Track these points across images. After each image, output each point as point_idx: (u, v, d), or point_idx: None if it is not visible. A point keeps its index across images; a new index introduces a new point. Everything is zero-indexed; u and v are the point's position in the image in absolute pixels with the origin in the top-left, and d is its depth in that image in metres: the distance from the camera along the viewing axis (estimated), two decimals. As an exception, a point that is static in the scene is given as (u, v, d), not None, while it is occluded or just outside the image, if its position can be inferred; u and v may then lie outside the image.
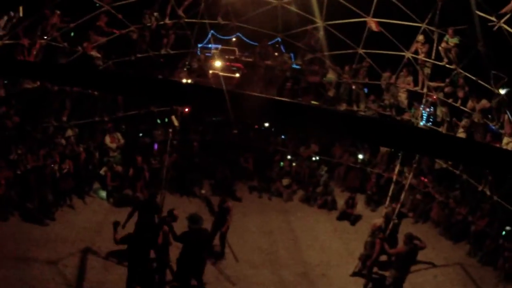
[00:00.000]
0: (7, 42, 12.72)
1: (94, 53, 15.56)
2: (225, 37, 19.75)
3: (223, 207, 13.52)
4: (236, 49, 19.90)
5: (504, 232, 14.50)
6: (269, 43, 19.56)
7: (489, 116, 14.77)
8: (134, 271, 10.69)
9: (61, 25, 14.35)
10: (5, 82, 13.46)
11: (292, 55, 19.99)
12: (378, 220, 13.66)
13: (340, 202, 17.53)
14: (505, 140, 13.67)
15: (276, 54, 19.85)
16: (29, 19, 13.15)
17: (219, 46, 19.96)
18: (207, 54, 19.82)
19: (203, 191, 17.60)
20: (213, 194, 17.73)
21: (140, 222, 12.37)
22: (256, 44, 19.63)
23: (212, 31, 19.05)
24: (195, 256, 11.27)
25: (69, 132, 16.01)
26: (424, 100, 16.52)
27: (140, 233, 11.39)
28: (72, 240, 13.18)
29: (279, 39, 19.63)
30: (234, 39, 19.92)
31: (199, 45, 20.01)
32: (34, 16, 13.28)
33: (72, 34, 14.94)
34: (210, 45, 19.95)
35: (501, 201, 14.71)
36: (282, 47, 20.15)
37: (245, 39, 19.65)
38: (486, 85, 14.23)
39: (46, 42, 14.08)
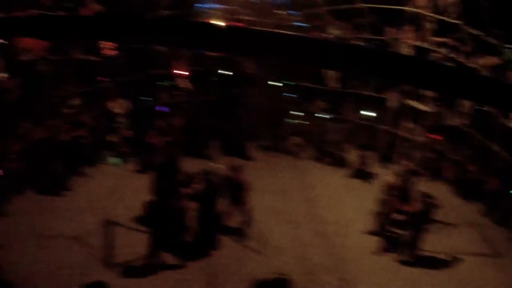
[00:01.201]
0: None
1: None
2: None
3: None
4: (237, 8, 19.50)
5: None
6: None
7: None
8: (156, 236, 10.93)
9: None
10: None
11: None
12: (391, 178, 13.76)
13: (351, 159, 17.63)
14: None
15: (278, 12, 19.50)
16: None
17: (219, 6, 19.57)
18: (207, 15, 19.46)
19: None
20: (224, 154, 17.75)
21: (159, 185, 12.48)
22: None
23: None
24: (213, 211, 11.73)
25: (76, 101, 15.93)
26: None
27: (159, 198, 11.56)
28: (90, 209, 13.25)
29: None
30: None
31: (197, 5, 19.58)
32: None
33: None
34: (206, 5, 19.55)
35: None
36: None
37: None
38: (493, 41, 14.07)
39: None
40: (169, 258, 11.40)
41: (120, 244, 11.64)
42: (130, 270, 11.07)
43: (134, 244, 11.77)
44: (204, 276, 11.12)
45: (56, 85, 15.47)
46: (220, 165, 14.01)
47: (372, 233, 13.36)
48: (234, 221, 13.02)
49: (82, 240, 11.91)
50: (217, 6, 19.49)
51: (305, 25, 19.30)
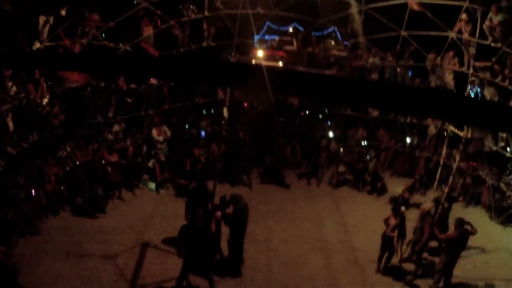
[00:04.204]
0: (48, 44, 13.06)
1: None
2: (282, 28, 19.70)
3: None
4: (293, 39, 19.74)
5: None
6: (325, 32, 19.39)
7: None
8: (189, 261, 10.99)
9: (100, 25, 14.61)
10: (49, 83, 13.83)
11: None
12: (427, 205, 13.34)
13: (390, 187, 17.32)
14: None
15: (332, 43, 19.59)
16: (69, 20, 13.43)
17: (276, 37, 19.92)
18: (266, 46, 19.89)
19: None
20: (262, 181, 17.96)
21: (193, 211, 12.65)
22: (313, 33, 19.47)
23: (268, 22, 19.06)
24: (243, 233, 11.87)
25: (116, 128, 16.48)
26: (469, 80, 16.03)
27: (194, 223, 11.73)
28: (123, 232, 13.59)
29: (335, 28, 19.41)
30: (291, 29, 19.82)
31: (256, 37, 20.04)
32: (74, 16, 13.56)
33: (103, 35, 15.14)
34: (266, 37, 19.95)
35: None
36: (338, 35, 19.83)
37: (300, 28, 19.47)
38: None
39: (88, 42, 14.36)
40: (200, 282, 11.41)
41: (151, 266, 11.82)
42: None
43: (165, 267, 11.98)
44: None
45: (100, 111, 16.06)
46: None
47: (407, 260, 12.99)
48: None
49: (113, 260, 12.13)
50: (276, 37, 19.87)
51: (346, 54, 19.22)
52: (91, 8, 14.01)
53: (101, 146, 15.51)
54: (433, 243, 13.05)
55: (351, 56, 18.78)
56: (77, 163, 14.77)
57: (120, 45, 15.49)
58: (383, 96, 4.30)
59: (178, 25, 16.76)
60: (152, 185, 16.51)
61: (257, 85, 4.67)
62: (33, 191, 13.17)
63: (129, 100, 16.75)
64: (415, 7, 15.59)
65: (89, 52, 14.29)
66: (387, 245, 12.59)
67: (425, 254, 12.96)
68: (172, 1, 16.08)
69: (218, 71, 4.97)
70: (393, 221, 12.41)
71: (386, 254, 12.64)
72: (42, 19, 12.69)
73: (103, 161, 15.25)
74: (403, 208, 13.17)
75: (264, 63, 18.05)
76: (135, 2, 15.30)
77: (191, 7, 16.65)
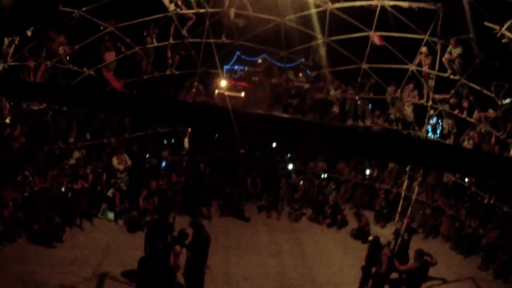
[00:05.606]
0: (12, 64, 12.81)
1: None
2: (251, 59, 19.85)
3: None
4: (255, 69, 19.91)
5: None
6: (293, 64, 19.64)
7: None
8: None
9: (66, 47, 14.40)
10: (11, 104, 13.50)
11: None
12: (388, 237, 13.50)
13: (350, 220, 17.39)
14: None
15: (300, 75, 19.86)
16: (34, 41, 13.23)
17: (245, 68, 20.07)
18: (234, 76, 19.97)
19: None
20: (222, 214, 17.74)
21: (152, 243, 12.35)
22: (279, 64, 19.67)
23: (238, 53, 19.19)
24: (204, 260, 11.63)
25: (76, 154, 16.10)
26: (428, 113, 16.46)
27: (152, 255, 11.46)
28: (80, 263, 13.11)
29: (303, 59, 19.68)
30: (260, 60, 19.98)
31: (226, 67, 20.13)
32: (39, 37, 13.35)
33: (67, 57, 14.94)
34: (236, 67, 20.08)
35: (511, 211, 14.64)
36: (308, 71, 20.13)
37: (271, 60, 19.65)
38: (491, 94, 14.21)
39: (52, 64, 14.13)
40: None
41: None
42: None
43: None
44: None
45: (60, 136, 15.68)
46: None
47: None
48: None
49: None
50: (244, 68, 20.05)
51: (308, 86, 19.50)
52: (57, 30, 13.81)
53: (60, 173, 15.09)
54: (394, 275, 13.07)
55: (313, 88, 19.02)
56: (36, 189, 14.31)
57: (85, 69, 15.29)
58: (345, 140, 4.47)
59: (142, 52, 16.65)
60: (111, 215, 16.05)
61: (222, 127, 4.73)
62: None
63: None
64: (377, 41, 15.97)
65: (53, 75, 14.08)
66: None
67: (386, 286, 12.90)
68: (137, 27, 15.96)
69: (182, 111, 5.03)
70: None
71: None
72: (7, 39, 12.46)
73: (63, 188, 14.81)
74: (370, 238, 13.31)
75: (226, 93, 18.16)
76: (101, 28, 15.16)
77: (155, 34, 16.57)
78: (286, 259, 15.06)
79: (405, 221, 13.97)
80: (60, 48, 13.94)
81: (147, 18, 15.83)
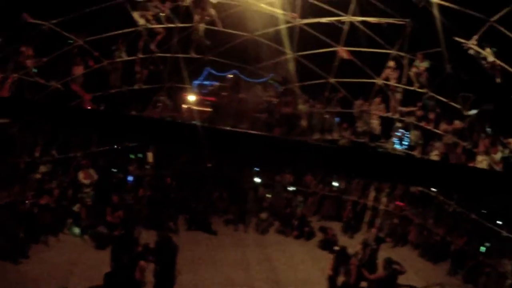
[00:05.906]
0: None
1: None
2: (221, 74, 19.92)
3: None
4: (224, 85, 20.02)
5: (483, 249, 14.82)
6: (262, 80, 19.80)
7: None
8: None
9: (34, 60, 14.24)
10: None
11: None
12: (355, 247, 13.68)
13: (316, 231, 17.52)
14: (479, 157, 13.92)
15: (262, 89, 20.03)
16: (1, 53, 13.05)
17: (216, 83, 20.12)
18: (203, 91, 20.00)
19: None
20: (189, 228, 17.60)
21: (118, 258, 12.21)
22: (250, 80, 19.82)
23: (208, 68, 19.23)
24: (173, 272, 11.58)
25: (42, 168, 15.82)
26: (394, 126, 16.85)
27: (119, 270, 11.32)
28: (46, 278, 12.77)
29: (271, 75, 19.87)
30: (230, 76, 20.07)
31: (195, 82, 20.11)
32: (7, 50, 13.18)
33: (35, 70, 14.75)
34: (205, 82, 20.12)
35: (478, 218, 15.01)
36: (277, 86, 20.32)
37: (241, 76, 19.79)
38: (458, 106, 14.63)
39: (19, 77, 13.94)
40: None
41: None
42: None
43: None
44: None
45: (25, 151, 15.39)
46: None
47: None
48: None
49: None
50: (215, 83, 20.11)
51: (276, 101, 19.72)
52: (25, 42, 13.65)
53: (25, 187, 14.81)
54: (364, 284, 13.20)
55: (281, 103, 19.23)
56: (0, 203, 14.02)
57: (52, 82, 15.10)
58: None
59: (111, 66, 16.56)
60: (77, 230, 15.74)
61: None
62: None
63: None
64: (344, 55, 16.29)
65: (20, 88, 13.88)
66: None
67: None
68: (105, 41, 15.90)
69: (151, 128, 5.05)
70: None
71: None
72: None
73: (28, 203, 14.53)
74: (336, 247, 13.45)
75: (194, 108, 18.22)
76: (69, 41, 15.06)
77: (124, 48, 16.53)
78: (254, 272, 14.98)
79: (373, 231, 14.18)
80: (27, 61, 13.74)
81: (117, 32, 15.78)
